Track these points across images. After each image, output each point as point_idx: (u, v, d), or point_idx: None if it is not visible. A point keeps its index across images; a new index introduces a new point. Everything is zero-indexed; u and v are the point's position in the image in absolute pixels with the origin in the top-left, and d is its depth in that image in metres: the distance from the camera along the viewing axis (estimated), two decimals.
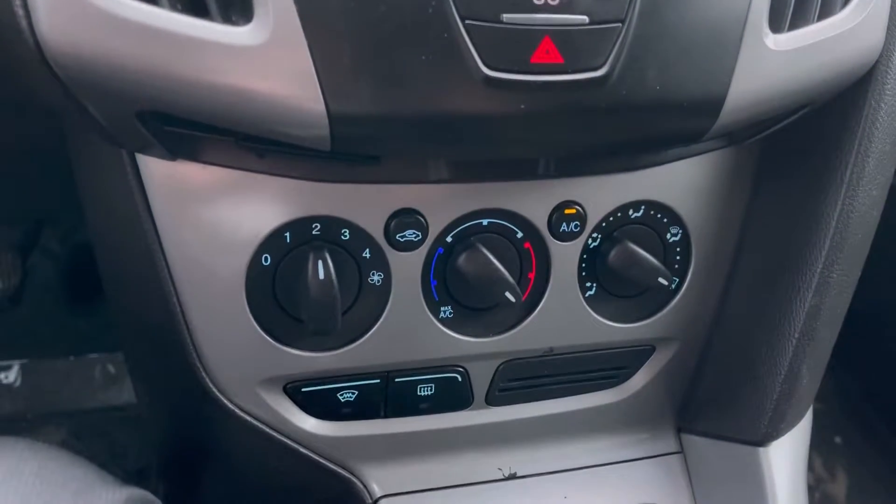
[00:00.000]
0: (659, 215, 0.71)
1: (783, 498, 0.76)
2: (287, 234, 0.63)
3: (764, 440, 0.76)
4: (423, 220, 0.64)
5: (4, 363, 1.56)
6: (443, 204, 0.65)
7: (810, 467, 1.46)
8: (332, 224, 0.63)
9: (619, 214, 0.70)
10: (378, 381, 0.72)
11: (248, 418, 0.71)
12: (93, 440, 1.50)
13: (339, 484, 0.77)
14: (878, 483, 1.56)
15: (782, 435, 0.76)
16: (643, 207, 0.70)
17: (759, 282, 0.74)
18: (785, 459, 0.77)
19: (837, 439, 1.63)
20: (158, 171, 0.60)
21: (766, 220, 0.73)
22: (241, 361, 0.68)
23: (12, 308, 1.54)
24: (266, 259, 0.63)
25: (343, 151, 0.55)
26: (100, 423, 1.52)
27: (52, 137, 0.70)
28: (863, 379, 1.60)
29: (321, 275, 0.61)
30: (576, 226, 0.68)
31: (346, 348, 0.69)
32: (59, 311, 1.60)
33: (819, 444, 1.61)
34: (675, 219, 0.72)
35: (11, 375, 1.55)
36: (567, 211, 0.67)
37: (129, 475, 1.37)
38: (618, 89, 0.51)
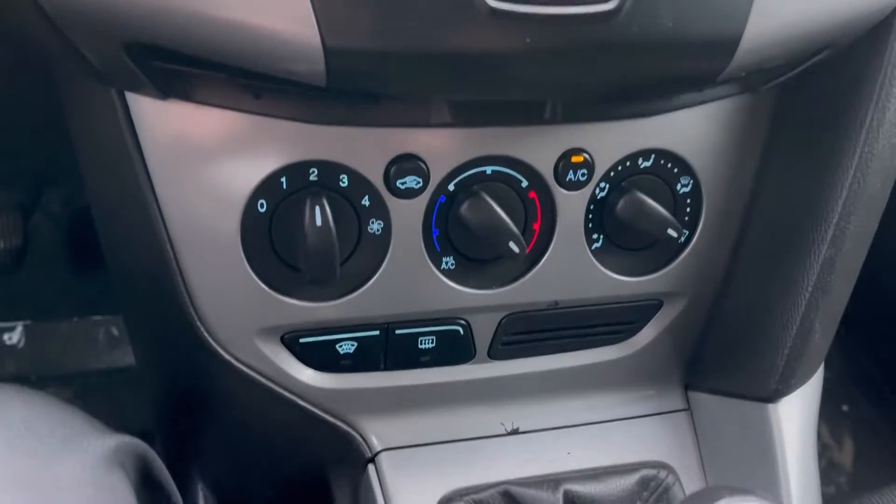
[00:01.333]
0: (669, 165, 0.69)
1: (792, 455, 0.75)
2: (283, 180, 0.61)
3: (773, 396, 0.75)
4: (424, 166, 0.62)
5: (8, 324, 1.56)
6: (445, 150, 0.63)
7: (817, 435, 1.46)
8: (329, 169, 0.61)
9: (628, 163, 0.67)
10: (378, 332, 0.70)
11: (246, 370, 0.70)
12: (97, 401, 1.50)
13: (337, 437, 0.76)
14: (886, 451, 1.56)
15: (792, 391, 0.75)
16: (653, 156, 0.68)
17: (771, 234, 0.72)
18: (794, 416, 0.76)
19: (845, 407, 1.62)
20: (149, 112, 0.58)
21: (781, 170, 0.70)
22: (238, 311, 0.66)
23: (15, 269, 1.53)
24: (262, 205, 0.62)
25: (340, 88, 0.53)
26: (103, 384, 1.53)
27: (50, 96, 0.67)
28: (871, 346, 1.59)
29: (318, 221, 0.59)
30: (583, 174, 0.66)
31: (344, 299, 0.67)
32: (63, 274, 1.60)
33: (826, 412, 1.60)
34: (686, 169, 0.69)
35: (15, 336, 1.55)
36: (574, 159, 0.65)
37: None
38: (628, 25, 0.49)
